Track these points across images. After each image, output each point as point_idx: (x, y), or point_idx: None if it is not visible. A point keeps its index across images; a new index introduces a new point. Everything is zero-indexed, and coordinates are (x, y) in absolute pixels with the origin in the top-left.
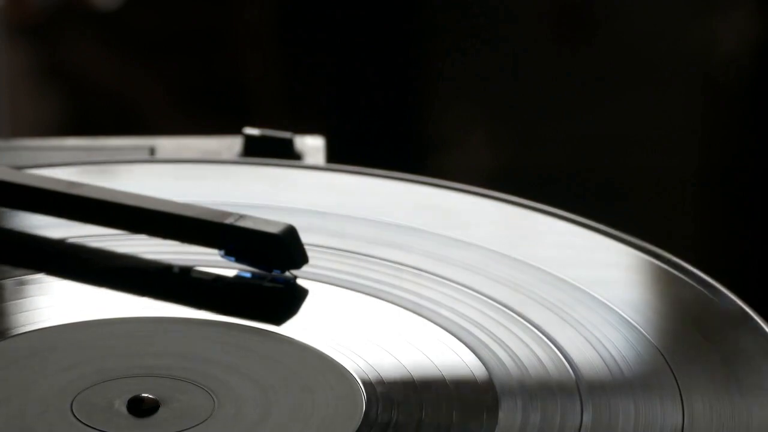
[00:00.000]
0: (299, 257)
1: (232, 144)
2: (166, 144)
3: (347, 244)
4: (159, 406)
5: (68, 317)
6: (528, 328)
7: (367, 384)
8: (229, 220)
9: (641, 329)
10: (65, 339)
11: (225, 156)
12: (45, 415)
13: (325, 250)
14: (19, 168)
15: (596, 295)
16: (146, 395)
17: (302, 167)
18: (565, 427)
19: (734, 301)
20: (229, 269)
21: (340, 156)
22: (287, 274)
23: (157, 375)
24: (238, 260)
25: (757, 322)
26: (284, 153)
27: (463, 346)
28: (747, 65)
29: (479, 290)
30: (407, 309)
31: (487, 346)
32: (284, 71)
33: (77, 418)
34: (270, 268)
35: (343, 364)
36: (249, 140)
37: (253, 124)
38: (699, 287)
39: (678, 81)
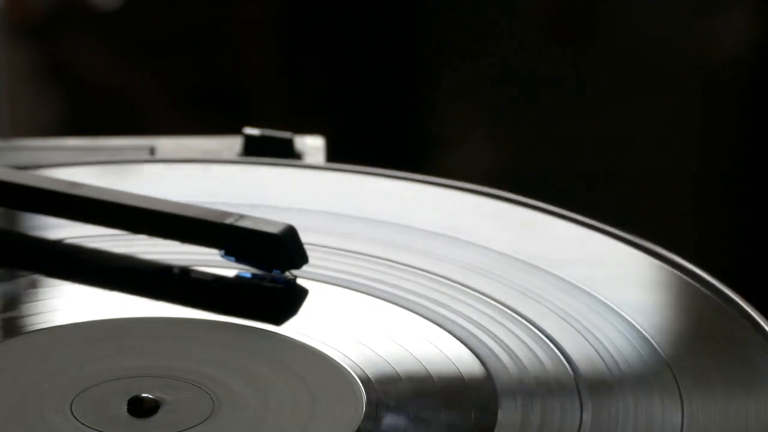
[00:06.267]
0: (299, 257)
1: (232, 144)
2: (166, 144)
3: (347, 244)
4: (159, 406)
5: (68, 317)
6: (528, 327)
7: (367, 384)
8: (229, 220)
9: (641, 329)
10: (65, 339)
11: (225, 156)
12: (45, 415)
13: (324, 250)
14: (19, 168)
15: (596, 295)
16: (146, 395)
17: (302, 167)
18: (564, 427)
19: (735, 300)
20: (229, 269)
21: (340, 156)
22: (287, 274)
23: (157, 375)
24: (238, 260)
25: (757, 321)
26: (284, 153)
27: (463, 346)
28: (747, 65)
29: (480, 290)
30: (407, 309)
31: (486, 345)
32: (284, 71)
33: (77, 418)
34: (270, 268)
35: (343, 364)
36: (249, 140)
37: (253, 124)
38: (699, 286)
39: (678, 81)
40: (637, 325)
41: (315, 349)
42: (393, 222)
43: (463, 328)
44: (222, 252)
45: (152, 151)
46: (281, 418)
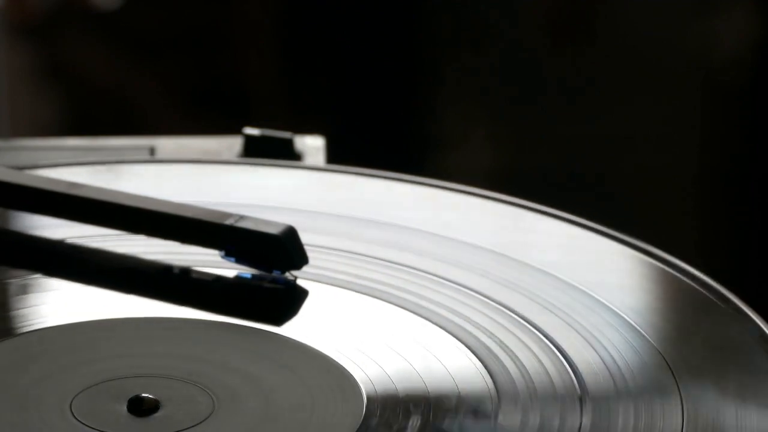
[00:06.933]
0: (299, 258)
1: (232, 144)
2: (166, 144)
3: (347, 245)
4: (159, 406)
5: (68, 318)
6: (528, 329)
7: (367, 384)
8: (229, 221)
9: (642, 331)
10: (65, 339)
11: (225, 156)
12: (45, 415)
13: (325, 250)
14: (19, 168)
15: (597, 297)
16: (146, 395)
17: (302, 167)
18: (564, 429)
19: (735, 302)
20: (229, 270)
21: (340, 156)
22: (287, 274)
23: (157, 375)
24: (238, 261)
25: (757, 323)
26: (284, 153)
27: (463, 346)
28: (747, 65)
29: (479, 291)
30: (407, 310)
31: (486, 347)
32: (284, 71)
33: (77, 419)
34: (270, 269)
35: (343, 365)
36: (249, 140)
37: (253, 124)
38: (699, 288)
39: (678, 81)
40: (636, 326)
41: (315, 349)
42: (393, 223)
43: (461, 328)
44: (222, 253)
45: (152, 151)
46: (281, 418)
